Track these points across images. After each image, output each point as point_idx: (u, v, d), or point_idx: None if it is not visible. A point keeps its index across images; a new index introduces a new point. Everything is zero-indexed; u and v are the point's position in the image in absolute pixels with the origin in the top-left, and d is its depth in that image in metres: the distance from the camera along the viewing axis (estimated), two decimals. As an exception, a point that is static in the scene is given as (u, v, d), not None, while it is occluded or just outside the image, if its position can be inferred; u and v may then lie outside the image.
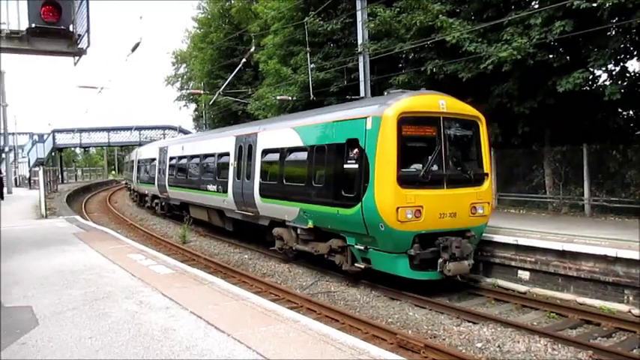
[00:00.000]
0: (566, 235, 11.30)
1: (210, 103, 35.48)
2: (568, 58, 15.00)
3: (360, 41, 19.51)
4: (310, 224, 12.00)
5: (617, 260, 9.53)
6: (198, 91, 39.14)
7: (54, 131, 55.12)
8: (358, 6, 19.36)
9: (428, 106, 10.58)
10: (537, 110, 15.79)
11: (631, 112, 16.72)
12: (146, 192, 29.49)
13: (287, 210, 12.89)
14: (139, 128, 56.20)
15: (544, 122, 16.57)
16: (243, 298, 7.50)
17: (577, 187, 16.16)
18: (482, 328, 8.55)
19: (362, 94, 19.27)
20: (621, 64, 15.14)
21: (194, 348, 5.42)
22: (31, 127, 79.28)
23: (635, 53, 15.04)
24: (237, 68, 27.45)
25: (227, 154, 16.83)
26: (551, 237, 11.18)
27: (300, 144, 12.68)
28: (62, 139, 55.57)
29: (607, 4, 12.36)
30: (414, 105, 10.46)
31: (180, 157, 22.37)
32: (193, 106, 53.76)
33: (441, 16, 16.00)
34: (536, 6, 15.55)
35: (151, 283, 8.37)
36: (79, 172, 76.42)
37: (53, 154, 56.29)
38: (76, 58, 11.98)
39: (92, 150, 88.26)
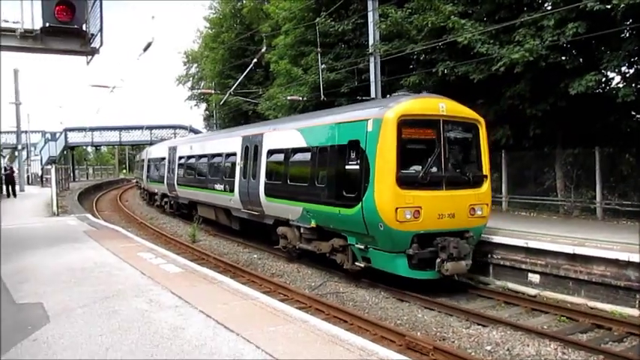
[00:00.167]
0: (578, 238, 11.21)
1: (221, 103, 35.63)
2: (581, 60, 14.89)
3: (371, 42, 19.49)
4: (313, 223, 12.29)
5: (629, 264, 9.44)
6: (209, 90, 39.32)
7: (66, 130, 55.59)
8: (370, 7, 19.34)
9: (428, 109, 10.79)
10: (549, 112, 15.69)
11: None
12: (156, 191, 29.80)
13: (291, 209, 13.15)
14: (150, 127, 56.58)
15: (556, 124, 16.45)
16: (252, 298, 7.52)
17: (589, 190, 16.01)
18: (491, 330, 8.50)
19: (373, 95, 19.24)
20: (635, 66, 14.99)
21: (203, 347, 5.44)
22: (44, 126, 79.90)
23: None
24: (249, 68, 27.53)
25: (234, 154, 17.13)
26: (562, 240, 11.10)
27: (304, 145, 12.95)
28: (74, 138, 56.08)
29: (621, 6, 12.25)
30: (413, 108, 10.70)
31: (189, 157, 22.75)
32: (204, 105, 53.96)
33: (452, 17, 15.96)
34: (549, 7, 15.46)
35: (160, 281, 8.41)
36: (91, 171, 77.15)
37: (65, 152, 56.80)
38: (89, 57, 12.07)
39: (103, 149, 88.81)
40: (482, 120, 11.48)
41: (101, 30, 11.13)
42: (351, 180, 10.89)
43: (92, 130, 55.71)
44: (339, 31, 22.60)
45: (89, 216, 20.48)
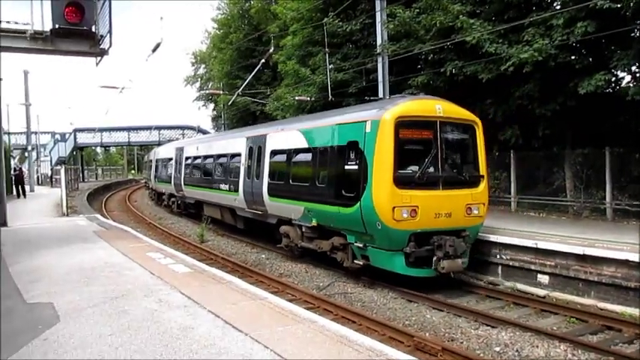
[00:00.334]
0: (588, 239, 11.15)
1: (229, 103, 35.72)
2: (590, 59, 14.79)
3: (379, 42, 19.46)
4: (314, 222, 12.54)
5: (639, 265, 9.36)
6: (217, 91, 39.46)
7: (75, 130, 55.95)
8: (377, 7, 19.30)
9: (425, 111, 11.02)
10: (558, 112, 15.60)
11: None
12: (163, 191, 30.22)
13: (293, 209, 13.42)
14: (159, 128, 56.82)
15: (565, 124, 16.36)
16: (260, 298, 7.53)
17: (599, 191, 15.90)
18: (500, 332, 8.47)
19: (380, 95, 19.20)
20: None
21: (212, 347, 5.45)
22: (54, 127, 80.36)
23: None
24: (256, 69, 27.57)
25: (238, 154, 17.46)
26: (571, 241, 11.04)
27: (305, 146, 13.23)
28: (83, 139, 56.47)
29: (631, 4, 12.17)
30: (411, 109, 10.94)
31: (195, 157, 23.14)
32: (212, 106, 54.10)
33: (461, 16, 15.92)
34: (558, 7, 15.37)
35: (169, 281, 8.44)
36: (100, 171, 77.60)
37: (74, 153, 57.19)
38: (98, 58, 12.13)
39: (112, 149, 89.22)
40: (479, 121, 11.69)
41: (110, 31, 11.17)
42: (350, 180, 11.14)
43: (101, 130, 56.04)
44: (347, 32, 22.59)
45: (98, 216, 20.61)
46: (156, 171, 32.53)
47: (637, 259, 9.36)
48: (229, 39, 40.55)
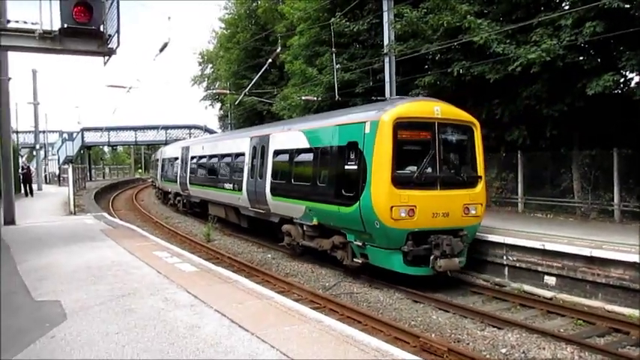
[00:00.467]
0: (595, 240, 11.09)
1: (236, 103, 35.78)
2: (599, 60, 14.71)
3: (386, 42, 19.43)
4: (315, 221, 12.76)
5: (647, 267, 9.31)
6: (224, 91, 39.51)
7: (83, 129, 56.23)
8: (385, 7, 19.28)
9: (423, 112, 11.22)
10: (566, 113, 15.52)
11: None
12: (169, 190, 30.49)
13: (295, 208, 13.68)
14: (166, 127, 57.03)
15: (573, 125, 16.27)
16: (266, 297, 7.53)
17: (606, 192, 15.80)
18: (506, 333, 8.44)
19: (387, 95, 19.16)
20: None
21: (218, 345, 5.47)
22: (61, 126, 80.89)
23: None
24: (263, 69, 27.59)
25: (242, 154, 17.75)
26: (579, 242, 10.99)
27: (307, 146, 13.47)
28: (91, 138, 56.74)
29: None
30: (409, 111, 11.15)
31: (201, 157, 23.43)
32: (219, 105, 54.20)
33: (468, 16, 15.87)
34: (567, 7, 15.29)
35: (176, 280, 8.47)
36: (107, 170, 77.92)
37: (82, 152, 57.46)
38: (106, 58, 12.17)
39: (119, 148, 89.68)
40: (477, 122, 11.85)
41: (118, 31, 11.20)
42: (349, 179, 11.35)
43: (108, 130, 56.30)
44: (354, 31, 22.56)
45: (106, 215, 20.70)
46: (162, 170, 32.78)
47: (645, 261, 9.30)
48: (236, 39, 40.63)
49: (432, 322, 9.25)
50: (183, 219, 25.19)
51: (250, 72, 35.40)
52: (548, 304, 10.12)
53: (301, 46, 26.51)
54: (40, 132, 42.02)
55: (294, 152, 14.06)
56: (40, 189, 35.23)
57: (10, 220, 16.59)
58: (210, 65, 56.17)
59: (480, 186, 11.61)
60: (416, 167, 10.91)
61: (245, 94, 30.83)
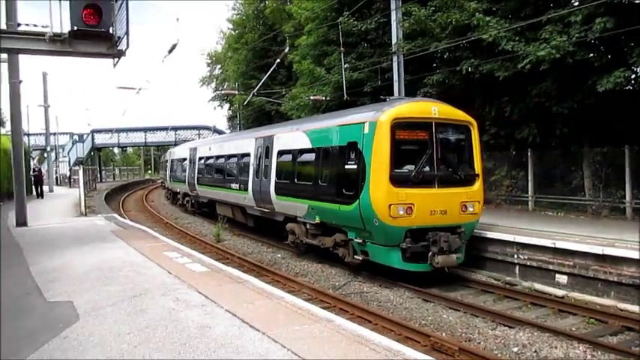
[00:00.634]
0: (607, 238, 11.00)
1: (245, 103, 35.86)
2: (609, 56, 14.58)
3: (394, 41, 19.38)
4: (317, 220, 13.06)
5: (660, 265, 9.22)
6: (232, 91, 39.61)
7: (93, 131, 56.65)
8: (393, 5, 19.23)
9: (420, 112, 11.46)
10: (576, 110, 15.41)
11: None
12: (178, 190, 30.93)
13: (298, 207, 14.00)
14: (175, 128, 57.29)
15: (583, 122, 16.13)
16: (277, 297, 7.55)
17: (618, 190, 15.66)
18: (518, 332, 8.40)
19: (396, 94, 19.12)
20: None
21: (229, 345, 5.48)
22: (72, 128, 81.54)
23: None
24: (272, 69, 27.62)
25: (248, 154, 18.17)
26: (590, 240, 10.91)
27: (309, 146, 13.78)
28: (101, 139, 57.15)
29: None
30: (407, 111, 11.39)
31: (208, 158, 23.83)
32: (227, 106, 54.30)
33: (477, 14, 15.80)
34: (576, 3, 15.18)
35: (186, 280, 8.51)
36: (117, 172, 78.38)
37: (92, 153, 57.87)
38: (116, 59, 12.24)
39: (129, 150, 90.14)
40: (474, 122, 12.07)
41: (127, 32, 11.25)
42: (349, 178, 11.62)
43: (118, 131, 56.64)
44: (362, 31, 22.55)
45: (116, 216, 20.82)
46: (171, 171, 33.16)
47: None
48: (244, 39, 40.68)
49: (442, 321, 9.22)
50: (193, 219, 25.29)
51: (259, 72, 35.48)
52: (560, 303, 10.05)
53: (309, 46, 26.51)
54: (51, 134, 42.36)
55: (297, 152, 14.40)
56: (51, 190, 35.51)
57: (22, 222, 16.74)
58: (219, 66, 56.27)
59: (478, 184, 11.82)
60: (414, 166, 11.15)
61: (253, 95, 30.88)
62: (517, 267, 11.87)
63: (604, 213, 15.80)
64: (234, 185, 19.16)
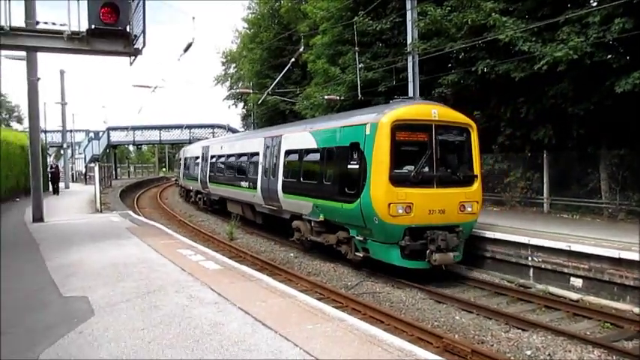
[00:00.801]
0: (623, 242, 10.85)
1: (259, 102, 35.99)
2: (628, 57, 14.38)
3: (409, 41, 19.32)
4: (321, 217, 13.50)
5: (678, 270, 9.09)
6: (247, 90, 39.76)
7: (109, 129, 57.19)
8: (408, 5, 19.17)
9: (420, 115, 11.77)
10: (593, 112, 15.23)
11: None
12: (191, 187, 31.57)
13: (304, 205, 14.40)
14: (190, 126, 57.64)
15: (600, 124, 15.94)
16: (289, 296, 7.57)
17: (635, 193, 15.45)
18: (531, 335, 8.34)
19: (410, 94, 19.07)
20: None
21: (242, 343, 5.51)
22: (88, 125, 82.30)
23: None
24: (286, 68, 27.71)
25: (257, 153, 18.62)
26: (606, 244, 10.78)
27: (314, 146, 14.18)
28: (116, 137, 57.68)
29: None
30: (407, 113, 11.69)
31: (219, 156, 24.40)
32: (242, 104, 54.50)
33: (493, 14, 15.68)
34: (595, 3, 15.00)
35: (200, 278, 8.56)
36: (132, 169, 79.01)
37: (108, 150, 58.44)
38: (132, 58, 12.36)
39: (144, 147, 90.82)
40: (473, 124, 12.33)
41: (144, 31, 11.38)
42: (351, 178, 11.97)
43: (134, 129, 57.15)
44: (377, 30, 22.47)
45: (131, 213, 21.01)
46: (185, 169, 33.72)
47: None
48: (259, 38, 40.80)
49: (455, 322, 9.18)
50: (206, 217, 25.45)
51: (273, 71, 35.59)
52: (575, 307, 9.94)
53: (324, 45, 26.49)
54: (68, 131, 42.84)
55: (303, 152, 14.84)
56: (66, 187, 35.93)
57: (38, 218, 16.96)
58: (234, 65, 56.49)
59: (476, 184, 12.07)
60: (413, 166, 11.43)
61: (268, 94, 30.99)
62: (531, 269, 11.78)
63: (620, 216, 15.59)
64: (244, 183, 19.61)
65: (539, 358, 7.56)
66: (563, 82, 15.29)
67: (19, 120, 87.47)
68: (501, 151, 19.39)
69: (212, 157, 25.67)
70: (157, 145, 77.54)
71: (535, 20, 15.72)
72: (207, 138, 45.22)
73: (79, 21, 11.25)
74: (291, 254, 15.50)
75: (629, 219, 15.29)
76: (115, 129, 57.50)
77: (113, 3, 10.85)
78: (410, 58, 19.30)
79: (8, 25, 11.13)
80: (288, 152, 15.85)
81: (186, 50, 21.21)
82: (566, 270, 11.00)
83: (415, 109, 12.01)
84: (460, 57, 19.18)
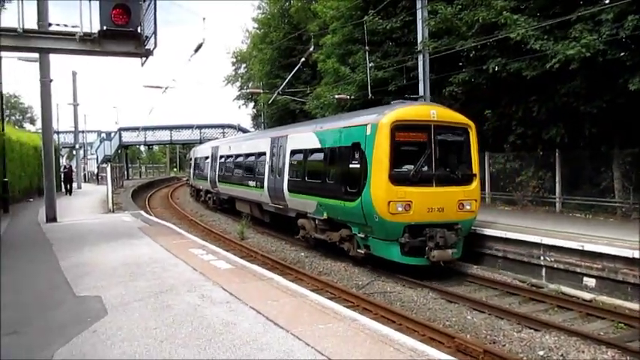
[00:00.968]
0: (637, 241, 10.72)
1: (269, 102, 36.08)
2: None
3: (420, 39, 19.26)
4: (325, 216, 13.85)
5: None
6: (257, 90, 39.87)
7: (120, 129, 57.61)
8: (418, 4, 19.11)
9: (419, 115, 12.10)
10: (606, 110, 15.09)
11: None
12: (201, 187, 32.08)
13: (308, 203, 14.78)
14: (200, 127, 57.91)
15: (613, 122, 15.79)
16: (301, 295, 7.58)
17: (649, 192, 15.29)
18: (544, 335, 8.27)
19: (421, 93, 19.04)
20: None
21: (254, 342, 5.53)
22: (100, 126, 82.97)
23: None
24: (296, 68, 27.70)
25: (264, 153, 19.05)
26: (619, 243, 10.67)
27: (318, 146, 14.54)
28: (128, 137, 58.10)
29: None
30: (406, 114, 12.01)
31: (228, 156, 24.88)
32: (252, 104, 54.61)
33: (504, 12, 15.59)
34: (607, 0, 14.85)
35: (211, 277, 8.60)
36: (143, 169, 79.51)
37: (119, 151, 58.88)
38: (143, 58, 12.44)
39: (155, 148, 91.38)
40: (472, 124, 12.56)
41: (155, 32, 11.44)
42: (353, 177, 12.30)
43: (145, 129, 57.53)
44: (387, 29, 22.40)
45: (142, 213, 21.15)
46: (195, 168, 34.25)
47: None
48: (269, 38, 40.89)
49: (467, 322, 9.14)
50: (217, 217, 25.54)
51: (283, 71, 35.64)
52: (588, 307, 9.84)
53: (334, 45, 26.48)
54: (80, 132, 43.21)
55: (307, 152, 15.20)
56: (79, 187, 36.27)
57: (52, 218, 17.12)
58: (244, 65, 56.62)
59: (475, 183, 12.34)
60: (413, 166, 11.72)
61: (278, 94, 31.06)
62: (543, 269, 11.70)
63: (634, 215, 15.41)
64: (252, 183, 20.02)
65: (552, 358, 7.50)
66: (575, 81, 15.16)
67: (32, 121, 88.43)
68: (513, 150, 19.27)
69: (221, 157, 26.15)
70: (168, 145, 78.00)
71: (546, 18, 15.60)
72: (217, 138, 45.39)
73: (91, 22, 11.33)
74: (302, 254, 15.51)
75: (643, 218, 15.12)
76: (126, 129, 57.91)
77: (124, 4, 10.92)
78: (420, 57, 19.25)
79: (21, 27, 11.26)
80: (293, 152, 16.21)
81: (196, 51, 21.28)
82: (578, 270, 10.92)
83: (414, 110, 12.35)
84: (471, 55, 19.07)
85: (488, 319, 9.26)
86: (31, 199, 26.38)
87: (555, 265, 11.41)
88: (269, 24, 43.01)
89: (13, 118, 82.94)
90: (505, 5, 15.88)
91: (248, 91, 48.48)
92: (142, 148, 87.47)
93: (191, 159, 37.23)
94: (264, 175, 18.57)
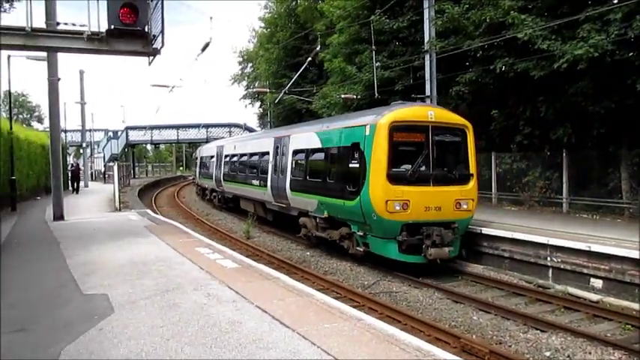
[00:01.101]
0: (645, 242, 10.67)
1: (276, 101, 36.13)
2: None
3: (426, 39, 19.22)
4: (325, 214, 14.12)
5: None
6: (264, 89, 39.92)
7: (127, 128, 57.82)
8: (425, 4, 19.08)
9: (417, 116, 12.33)
10: (614, 110, 15.00)
11: None
12: (206, 186, 32.51)
13: (309, 202, 15.05)
14: (206, 126, 58.06)
15: (621, 123, 15.69)
16: (306, 295, 7.59)
17: (657, 193, 15.19)
18: (550, 336, 8.24)
19: (427, 92, 19.01)
20: None
21: (260, 341, 5.54)
22: (107, 124, 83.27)
23: None
24: (303, 67, 27.72)
25: (267, 153, 19.33)
26: (627, 244, 10.60)
27: (319, 146, 14.82)
28: (135, 136, 58.33)
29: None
30: (404, 115, 12.27)
31: (233, 155, 25.19)
32: (258, 104, 54.68)
33: (512, 12, 15.53)
34: (616, 0, 14.76)
35: (218, 276, 8.62)
36: (150, 168, 79.80)
37: (126, 150, 59.11)
38: (151, 58, 12.47)
39: (162, 146, 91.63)
40: (469, 125, 12.76)
41: (162, 31, 11.47)
42: (352, 176, 12.52)
43: (152, 128, 57.75)
44: (394, 29, 22.40)
45: (149, 211, 21.22)
46: (201, 167, 34.57)
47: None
48: (276, 38, 40.91)
49: (472, 323, 9.12)
50: (223, 216, 25.61)
51: (290, 71, 35.68)
52: (594, 308, 9.81)
53: (341, 44, 26.48)
54: (87, 130, 43.39)
55: (309, 152, 15.48)
56: (86, 186, 36.42)
57: (59, 216, 17.21)
58: (250, 64, 56.69)
59: (472, 183, 12.54)
60: (411, 166, 11.96)
61: (284, 93, 31.08)
62: (550, 270, 11.65)
63: (642, 216, 15.34)
64: (255, 182, 20.37)
65: (558, 359, 7.48)
66: (583, 81, 15.08)
67: (40, 120, 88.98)
68: (520, 150, 19.20)
69: (226, 156, 26.45)
70: (175, 144, 78.12)
71: (554, 18, 15.53)
72: (223, 137, 45.52)
73: (99, 21, 11.39)
74: (307, 253, 15.52)
75: (651, 219, 15.03)
76: (133, 128, 58.14)
77: (132, 3, 10.95)
78: (427, 57, 19.22)
79: (29, 26, 11.32)
80: (295, 152, 16.49)
81: (203, 50, 21.36)
82: (585, 271, 10.86)
83: (412, 111, 12.56)
84: (478, 55, 19.02)
85: (495, 320, 9.24)
86: (39, 198, 26.54)
87: (562, 266, 11.35)
88: (276, 23, 43.04)
89: (21, 116, 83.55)
90: (512, 5, 15.82)
91: (254, 90, 48.48)
92: (149, 146, 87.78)
93: (197, 158, 37.55)
94: (267, 174, 18.84)
